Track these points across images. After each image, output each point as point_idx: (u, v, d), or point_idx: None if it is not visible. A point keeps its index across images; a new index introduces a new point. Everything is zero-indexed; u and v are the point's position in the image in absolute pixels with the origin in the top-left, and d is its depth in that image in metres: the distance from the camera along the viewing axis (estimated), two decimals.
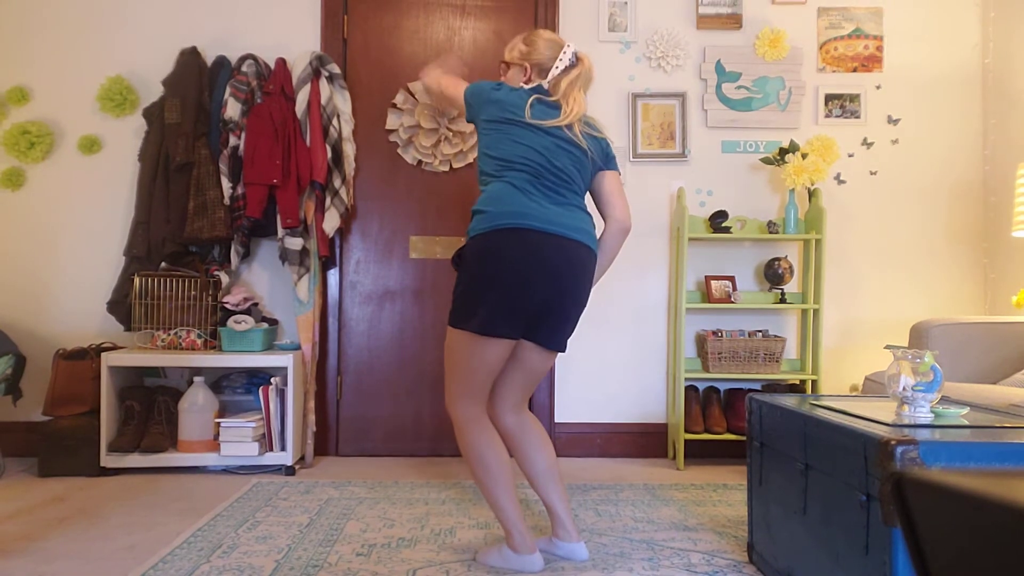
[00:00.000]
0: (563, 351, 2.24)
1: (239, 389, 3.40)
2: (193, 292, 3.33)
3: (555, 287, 2.09)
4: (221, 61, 3.46)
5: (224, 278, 3.39)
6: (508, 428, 2.27)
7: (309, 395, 3.41)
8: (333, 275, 3.60)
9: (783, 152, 3.45)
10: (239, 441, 3.15)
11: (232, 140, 3.33)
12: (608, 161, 2.27)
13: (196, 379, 3.23)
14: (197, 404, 3.19)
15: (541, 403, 3.61)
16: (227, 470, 3.24)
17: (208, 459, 3.17)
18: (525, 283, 2.05)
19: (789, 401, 2.05)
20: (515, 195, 2.10)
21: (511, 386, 2.25)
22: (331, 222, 3.40)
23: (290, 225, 3.30)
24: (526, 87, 2.25)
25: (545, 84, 2.26)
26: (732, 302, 3.47)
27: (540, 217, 2.08)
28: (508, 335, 2.09)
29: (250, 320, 3.27)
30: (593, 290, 3.53)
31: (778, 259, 3.47)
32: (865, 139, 3.66)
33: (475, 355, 2.10)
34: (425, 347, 3.63)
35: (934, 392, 1.74)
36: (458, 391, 2.15)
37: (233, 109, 3.32)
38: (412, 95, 3.60)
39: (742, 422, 3.40)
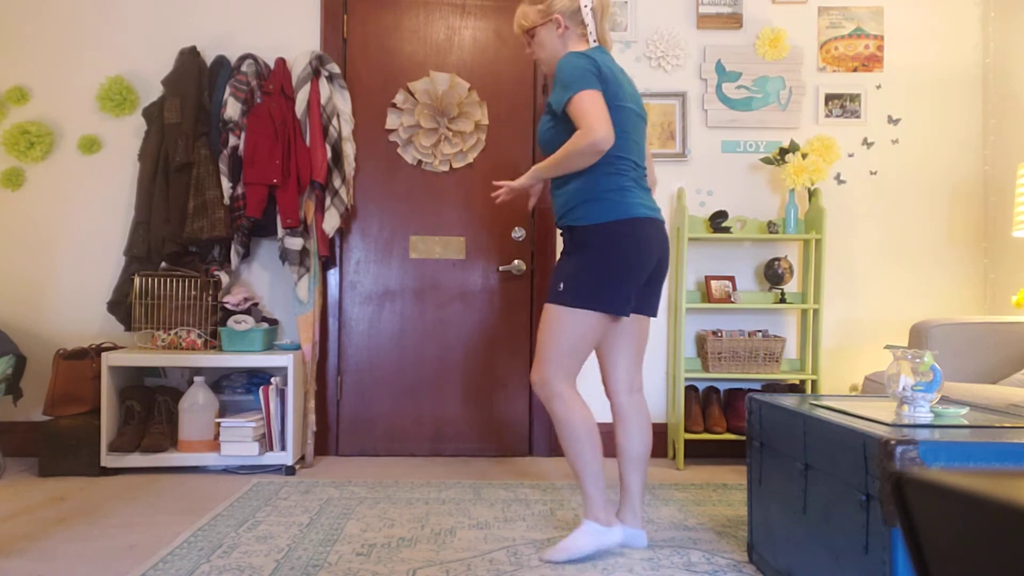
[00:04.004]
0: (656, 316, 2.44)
1: (239, 389, 3.40)
2: (193, 292, 3.33)
3: (662, 264, 2.29)
4: (221, 61, 3.46)
5: (224, 278, 3.39)
6: (622, 406, 2.36)
7: (309, 395, 3.41)
8: (333, 275, 3.60)
9: (783, 152, 3.45)
10: (239, 441, 3.15)
11: (232, 140, 3.33)
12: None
13: (196, 379, 3.23)
14: (197, 404, 3.19)
15: (542, 404, 3.61)
16: (227, 470, 3.24)
17: (208, 459, 3.17)
18: (648, 266, 2.22)
19: (789, 401, 2.06)
20: (631, 186, 2.21)
21: (628, 360, 2.35)
22: (331, 222, 3.40)
23: (290, 225, 3.30)
24: (597, 50, 2.22)
25: (594, 39, 2.26)
26: (732, 302, 3.47)
27: (651, 205, 2.25)
28: (629, 313, 2.24)
29: (250, 320, 3.27)
30: None
31: (778, 259, 3.47)
32: (865, 139, 3.66)
33: (592, 334, 2.21)
34: (425, 347, 3.63)
35: (934, 392, 1.74)
36: (560, 369, 2.22)
37: (233, 109, 3.32)
38: (412, 95, 3.60)
39: (742, 422, 3.40)
